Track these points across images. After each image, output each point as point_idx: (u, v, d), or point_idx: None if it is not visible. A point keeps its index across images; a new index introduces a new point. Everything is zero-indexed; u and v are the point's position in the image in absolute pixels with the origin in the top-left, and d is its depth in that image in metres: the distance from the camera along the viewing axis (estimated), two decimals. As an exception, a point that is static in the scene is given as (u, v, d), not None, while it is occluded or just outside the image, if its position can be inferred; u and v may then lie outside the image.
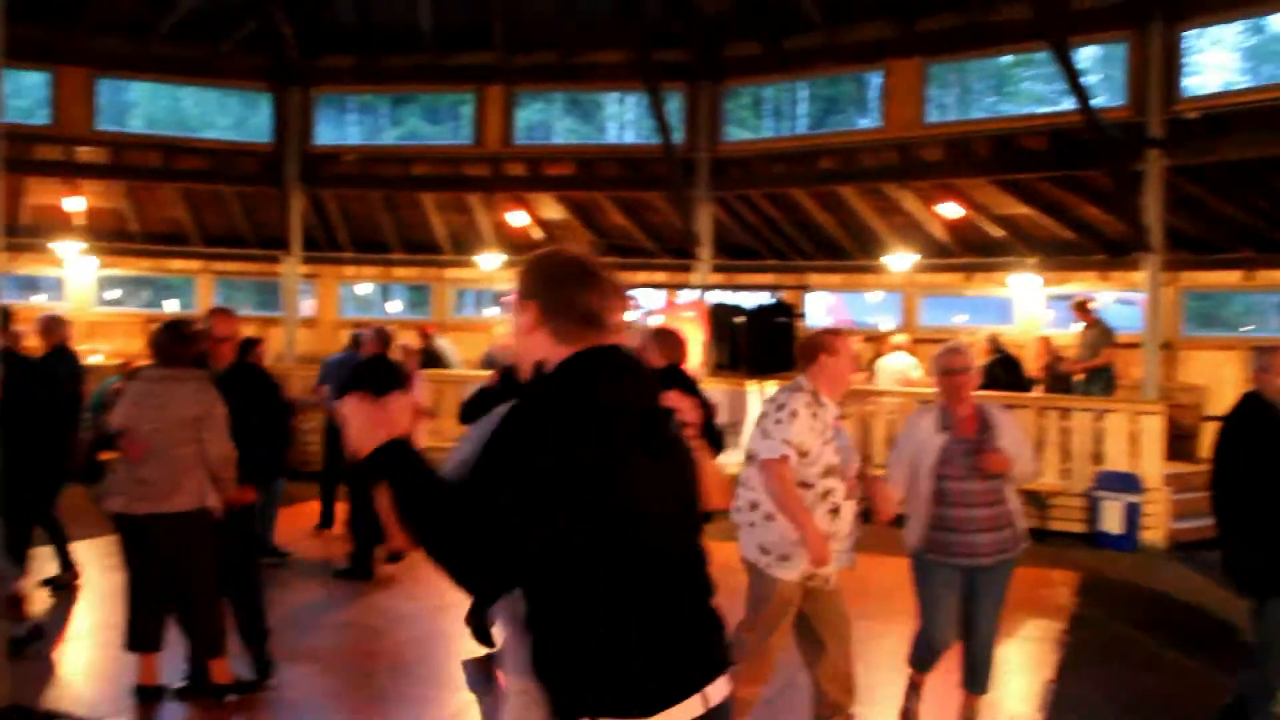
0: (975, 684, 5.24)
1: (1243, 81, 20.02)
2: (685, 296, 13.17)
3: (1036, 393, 12.11)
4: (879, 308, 17.32)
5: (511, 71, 15.33)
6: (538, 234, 16.22)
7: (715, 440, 5.00)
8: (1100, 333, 11.95)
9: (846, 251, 15.20)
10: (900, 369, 12.68)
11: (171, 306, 18.51)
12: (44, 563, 7.71)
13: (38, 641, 6.47)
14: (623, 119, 19.04)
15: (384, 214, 16.43)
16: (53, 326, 8.53)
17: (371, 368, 8.59)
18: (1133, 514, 10.19)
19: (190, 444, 5.24)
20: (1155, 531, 10.28)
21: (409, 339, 12.11)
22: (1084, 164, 12.37)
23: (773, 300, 12.21)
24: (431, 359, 13.02)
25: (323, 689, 6.13)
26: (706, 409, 4.15)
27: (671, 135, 14.02)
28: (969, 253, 14.51)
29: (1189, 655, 6.98)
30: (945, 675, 5.36)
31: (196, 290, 17.22)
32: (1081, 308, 12.24)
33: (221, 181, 15.91)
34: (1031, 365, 12.77)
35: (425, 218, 16.41)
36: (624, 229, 15.81)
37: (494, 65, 15.23)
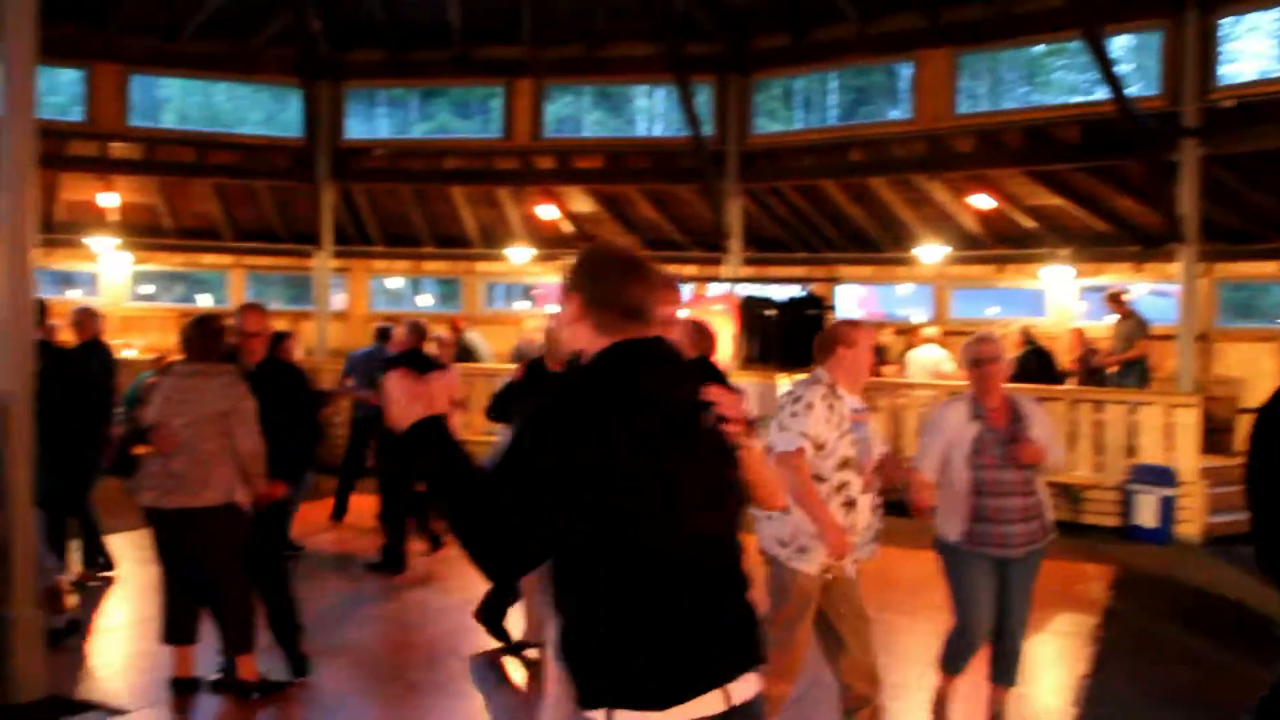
0: (1004, 676, 5.22)
1: (1280, 69, 19.74)
2: (715, 289, 13.15)
3: (1069, 385, 12.02)
4: (910, 300, 17.23)
5: (540, 65, 15.33)
6: (567, 227, 16.24)
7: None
8: (1135, 325, 11.84)
9: (877, 243, 15.13)
10: (931, 361, 12.61)
11: (204, 301, 18.65)
12: (80, 556, 7.79)
13: (75, 633, 6.55)
14: (652, 112, 19.02)
15: (414, 208, 16.49)
16: (85, 320, 8.61)
17: (407, 362, 8.59)
18: (1167, 507, 10.10)
19: (219, 438, 5.27)
20: (1190, 525, 10.19)
21: (441, 332, 12.15)
22: (1117, 154, 12.24)
23: (803, 293, 12.18)
24: (462, 353, 13.05)
25: (356, 682, 6.16)
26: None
27: (701, 128, 13.99)
28: (1001, 244, 14.40)
29: (1224, 649, 6.92)
30: (973, 668, 5.33)
31: (229, 285, 17.36)
32: (1115, 299, 12.14)
33: (253, 176, 16.01)
34: (1064, 358, 12.68)
35: (455, 211, 16.45)
36: (654, 222, 15.80)
37: (523, 59, 15.24)
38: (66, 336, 8.77)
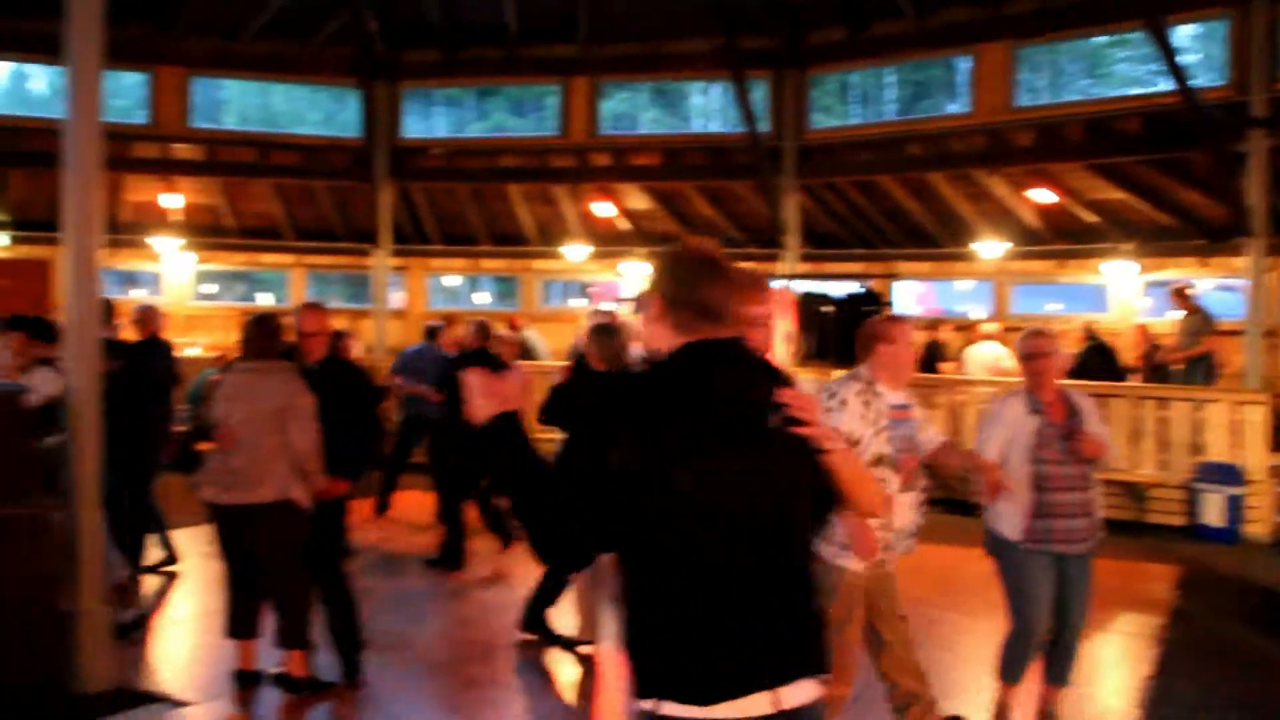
0: (1058, 675, 5.15)
1: (1351, 58, 19.27)
2: (772, 286, 13.08)
3: (1133, 381, 11.83)
4: (969, 296, 17.06)
5: (596, 62, 15.36)
6: (624, 225, 16.25)
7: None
8: (1200, 320, 11.61)
9: (935, 239, 14.98)
10: (991, 358, 12.46)
11: (265, 300, 18.91)
12: (147, 551, 7.91)
13: (141, 628, 6.66)
14: (708, 108, 18.95)
15: (471, 206, 16.60)
16: (147, 317, 8.74)
17: (475, 362, 8.64)
18: (1234, 506, 9.91)
19: (275, 435, 5.32)
20: (1258, 524, 9.98)
21: (502, 330, 12.20)
22: (1182, 146, 12.05)
23: (861, 289, 12.10)
24: (520, 351, 13.10)
25: (413, 676, 6.20)
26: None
27: (757, 124, 13.95)
28: (1062, 239, 14.20)
29: (1294, 652, 6.78)
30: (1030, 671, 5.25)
31: (289, 284, 17.59)
32: (1181, 294, 11.91)
33: (313, 176, 16.23)
34: (1128, 354, 12.48)
35: (512, 209, 16.54)
36: (710, 218, 15.77)
37: (578, 57, 15.29)
38: (128, 334, 8.90)
